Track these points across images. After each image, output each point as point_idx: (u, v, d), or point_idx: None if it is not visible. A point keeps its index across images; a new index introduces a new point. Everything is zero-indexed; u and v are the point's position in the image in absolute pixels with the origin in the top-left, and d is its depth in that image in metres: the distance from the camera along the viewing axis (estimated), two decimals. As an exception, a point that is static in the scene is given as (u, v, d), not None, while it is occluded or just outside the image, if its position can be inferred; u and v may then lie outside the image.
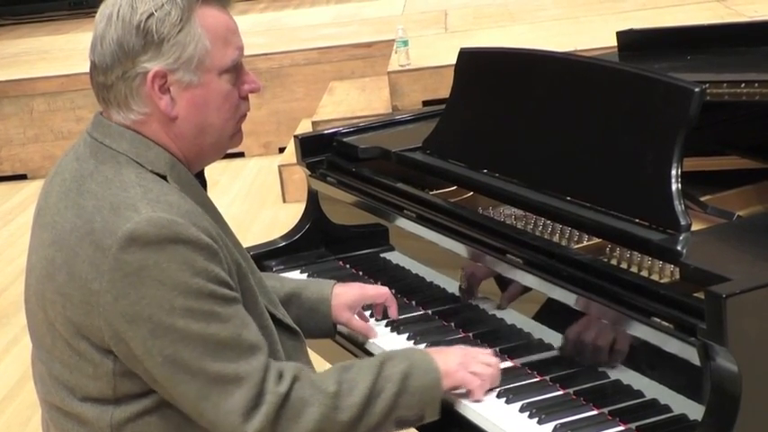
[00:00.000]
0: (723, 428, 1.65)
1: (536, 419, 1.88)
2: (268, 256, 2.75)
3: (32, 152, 7.69)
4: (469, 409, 1.95)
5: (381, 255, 2.59)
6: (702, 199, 2.17)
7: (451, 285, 2.33)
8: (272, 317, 1.96)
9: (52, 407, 1.90)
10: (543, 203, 2.20)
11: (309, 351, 2.12)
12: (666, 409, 1.81)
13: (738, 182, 2.28)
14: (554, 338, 2.04)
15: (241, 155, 7.34)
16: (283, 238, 2.80)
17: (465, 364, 1.96)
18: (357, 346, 2.29)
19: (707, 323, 1.66)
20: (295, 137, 2.88)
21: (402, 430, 1.93)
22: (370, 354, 2.23)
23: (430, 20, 8.16)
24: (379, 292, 2.30)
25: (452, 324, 2.28)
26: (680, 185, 1.98)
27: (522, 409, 1.91)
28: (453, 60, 2.62)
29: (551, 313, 2.04)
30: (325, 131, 2.90)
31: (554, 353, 2.04)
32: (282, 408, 1.78)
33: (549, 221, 2.24)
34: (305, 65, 7.51)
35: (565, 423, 1.85)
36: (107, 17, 1.83)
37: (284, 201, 6.29)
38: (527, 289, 2.08)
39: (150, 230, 1.73)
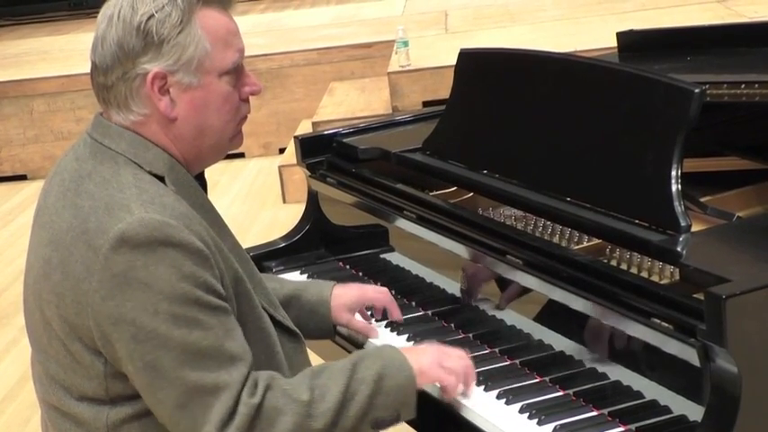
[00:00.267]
0: (723, 429, 1.65)
1: (536, 420, 1.88)
2: (268, 257, 2.75)
3: (32, 153, 7.69)
4: (469, 410, 1.95)
5: (381, 255, 2.59)
6: (702, 200, 2.17)
7: (451, 286, 2.33)
8: (272, 319, 1.96)
9: (50, 407, 1.90)
10: (543, 204, 2.20)
11: (309, 352, 2.12)
12: (666, 410, 1.81)
13: (738, 183, 2.28)
14: (554, 339, 2.04)
15: (241, 155, 7.34)
16: (283, 238, 2.80)
17: (439, 360, 1.95)
18: (357, 346, 2.29)
19: (707, 324, 1.66)
20: (295, 137, 2.88)
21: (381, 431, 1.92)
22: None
23: (430, 20, 8.16)
24: (378, 295, 2.30)
25: (452, 325, 2.28)
26: (680, 186, 1.98)
27: (521, 410, 1.91)
28: (453, 61, 2.62)
29: (551, 314, 2.04)
30: (325, 132, 2.90)
31: (554, 353, 2.04)
32: (256, 419, 1.76)
33: (548, 222, 2.23)
34: (305, 65, 7.51)
35: (564, 424, 1.85)
36: (108, 18, 1.83)
37: (284, 201, 6.29)
38: (527, 290, 2.08)
39: (141, 232, 1.73)
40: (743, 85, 2.34)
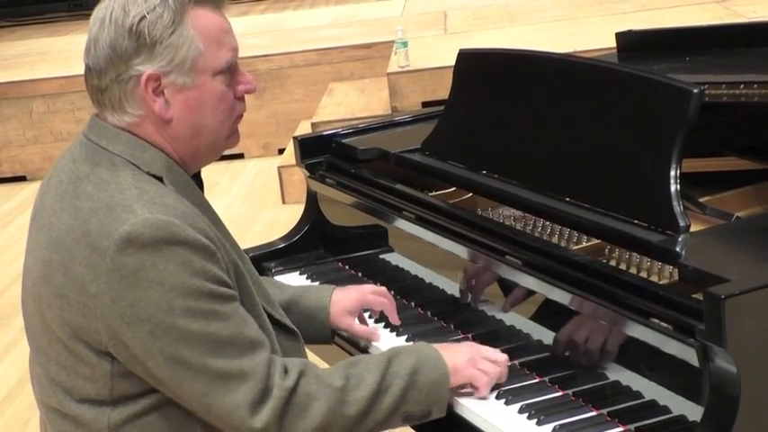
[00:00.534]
0: (722, 429, 1.65)
1: (535, 420, 1.88)
2: (267, 258, 2.75)
3: (32, 154, 7.69)
4: (469, 411, 1.95)
5: (380, 256, 2.59)
6: (701, 200, 2.17)
7: (450, 286, 2.33)
8: (271, 317, 1.96)
9: (50, 409, 1.90)
10: (542, 204, 2.20)
11: (309, 353, 2.12)
12: (665, 410, 1.81)
13: (737, 183, 2.28)
14: (553, 339, 2.04)
15: (240, 156, 7.34)
16: (282, 239, 2.80)
17: (473, 360, 1.96)
18: (358, 348, 2.29)
19: (706, 324, 1.66)
20: (294, 138, 2.88)
21: (406, 426, 1.93)
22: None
23: (429, 21, 8.16)
24: (377, 297, 2.29)
25: (451, 325, 2.28)
26: (679, 186, 1.98)
27: (521, 411, 1.91)
28: (453, 61, 2.62)
29: (550, 314, 2.04)
30: (325, 133, 2.90)
31: (553, 354, 2.04)
32: (289, 402, 1.79)
33: (548, 222, 2.23)
34: (304, 66, 7.51)
35: (564, 424, 1.85)
36: (100, 20, 1.83)
37: (284, 202, 6.29)
38: (526, 290, 2.08)
39: (146, 232, 1.73)
40: (742, 86, 2.34)
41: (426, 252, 2.38)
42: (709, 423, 1.67)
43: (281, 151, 7.27)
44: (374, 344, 2.26)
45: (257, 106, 7.18)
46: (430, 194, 2.52)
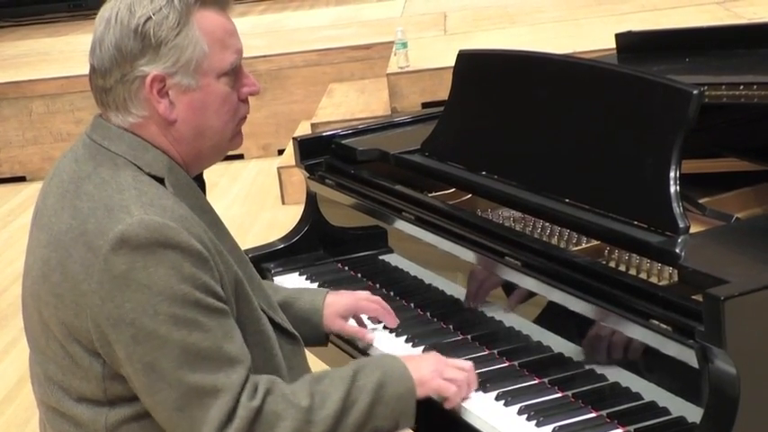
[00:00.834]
0: (722, 431, 1.65)
1: (534, 422, 1.87)
2: (267, 259, 2.74)
3: (31, 154, 7.69)
4: (468, 412, 1.95)
5: (380, 257, 2.59)
6: (701, 201, 2.17)
7: (450, 288, 2.33)
8: (271, 321, 1.96)
9: (49, 408, 1.90)
10: (542, 205, 2.20)
11: (308, 354, 2.12)
12: (665, 411, 1.81)
13: (737, 184, 2.28)
14: (552, 341, 2.04)
15: (240, 157, 7.34)
16: (282, 240, 2.80)
17: (439, 371, 1.94)
18: (356, 349, 2.29)
19: (705, 326, 1.66)
20: (294, 139, 2.88)
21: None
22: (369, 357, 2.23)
23: (429, 22, 8.16)
24: (371, 304, 2.28)
25: (451, 326, 2.28)
26: (678, 188, 1.98)
27: (520, 412, 1.91)
28: (452, 62, 2.62)
29: (550, 315, 2.04)
30: (324, 133, 2.90)
31: (552, 355, 2.04)
32: (255, 422, 1.76)
33: (547, 224, 2.23)
34: (304, 67, 7.51)
35: (563, 425, 1.85)
36: (106, 20, 1.83)
37: (283, 203, 6.29)
38: (525, 291, 2.08)
39: (141, 233, 1.73)
40: (741, 87, 2.34)
41: (426, 253, 2.38)
42: (708, 424, 1.67)
43: (280, 152, 7.27)
44: (373, 345, 2.26)
45: (257, 107, 7.17)
46: (429, 195, 2.52)
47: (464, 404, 1.96)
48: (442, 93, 3.06)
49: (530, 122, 2.34)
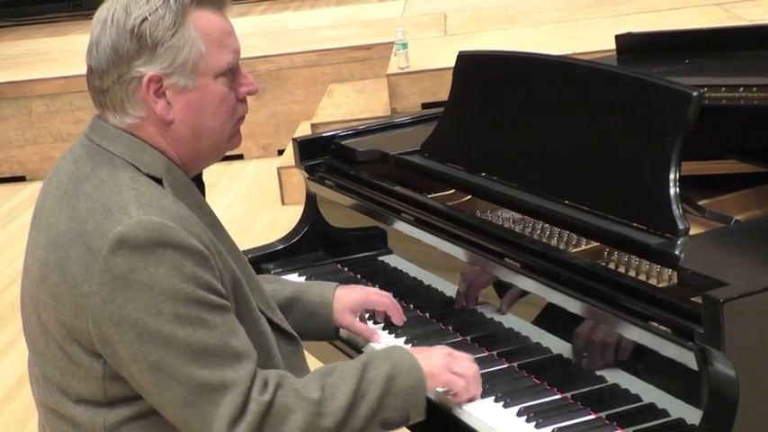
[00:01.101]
0: (720, 433, 1.65)
1: (533, 423, 1.87)
2: (266, 259, 2.74)
3: (31, 154, 7.69)
4: (466, 413, 1.94)
5: (379, 258, 2.59)
6: (700, 203, 2.17)
7: (449, 289, 2.33)
8: (270, 322, 1.96)
9: (47, 409, 1.90)
10: (541, 207, 2.19)
11: (307, 355, 2.11)
12: (664, 413, 1.81)
13: (736, 186, 2.28)
14: (552, 342, 2.04)
15: (240, 157, 7.34)
16: (281, 240, 2.80)
17: (448, 364, 1.95)
18: (356, 350, 2.29)
19: (704, 328, 1.66)
20: (293, 140, 2.88)
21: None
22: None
23: (429, 22, 8.16)
24: (382, 298, 2.29)
25: (450, 327, 2.28)
26: (678, 189, 1.98)
27: (519, 413, 1.91)
28: (452, 63, 2.62)
29: (549, 317, 2.04)
30: (324, 134, 2.90)
31: (552, 356, 2.03)
32: (266, 416, 1.76)
33: (546, 225, 2.23)
34: (304, 67, 7.51)
35: (562, 427, 1.85)
36: (102, 22, 1.83)
37: (283, 203, 6.30)
38: (525, 293, 2.08)
39: (140, 234, 1.73)
40: (741, 89, 2.34)
41: (425, 254, 2.38)
42: (707, 426, 1.67)
43: (280, 152, 7.28)
44: (373, 344, 2.26)
45: (257, 107, 7.18)
46: (429, 196, 2.52)
47: (463, 405, 1.96)
48: (442, 93, 3.06)
49: (530, 124, 2.34)
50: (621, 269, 2.02)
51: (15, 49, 9.55)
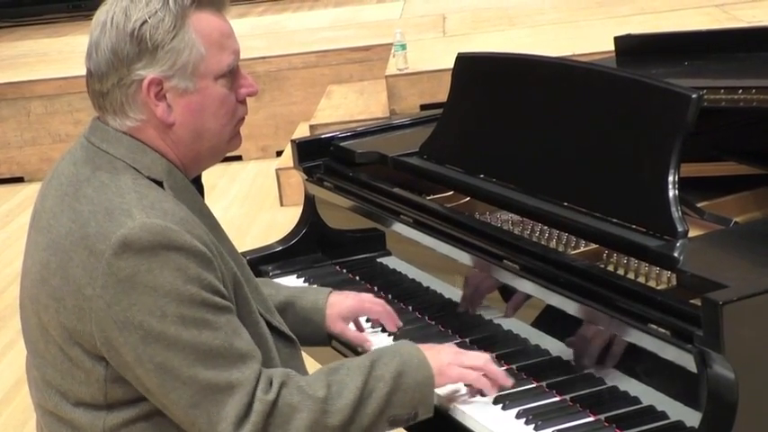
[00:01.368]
0: (720, 435, 1.65)
1: (533, 426, 1.87)
2: (265, 261, 2.74)
3: (30, 155, 7.69)
4: (466, 416, 1.94)
5: (378, 260, 2.59)
6: (699, 205, 2.16)
7: (448, 290, 2.33)
8: (269, 324, 1.96)
9: (46, 411, 1.90)
10: (540, 209, 2.19)
11: (306, 357, 2.11)
12: (663, 415, 1.80)
13: (736, 188, 2.28)
14: (551, 344, 2.04)
15: (239, 158, 7.34)
16: (280, 242, 2.80)
17: (457, 360, 1.95)
18: (354, 352, 2.28)
19: (703, 330, 1.66)
20: (292, 141, 2.88)
21: (395, 429, 1.92)
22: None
23: (428, 24, 8.16)
24: (375, 306, 2.28)
25: (449, 330, 2.27)
26: (677, 191, 1.98)
27: (518, 416, 1.90)
28: (451, 64, 2.62)
29: (548, 319, 2.04)
30: (323, 136, 2.90)
31: (551, 358, 2.03)
32: (271, 415, 1.77)
33: (546, 227, 2.23)
34: (303, 68, 7.51)
35: (561, 429, 1.85)
36: (101, 24, 1.83)
37: (282, 204, 6.29)
38: (524, 295, 2.08)
39: (144, 236, 1.73)
40: (740, 91, 2.34)
41: (424, 256, 2.38)
42: (706, 429, 1.67)
43: (279, 153, 7.27)
44: (371, 349, 2.25)
45: (256, 108, 7.17)
46: (428, 198, 2.52)
47: (462, 407, 1.96)
48: (441, 95, 3.06)
49: (528, 126, 2.34)
50: (620, 271, 2.02)
51: (15, 49, 9.55)
